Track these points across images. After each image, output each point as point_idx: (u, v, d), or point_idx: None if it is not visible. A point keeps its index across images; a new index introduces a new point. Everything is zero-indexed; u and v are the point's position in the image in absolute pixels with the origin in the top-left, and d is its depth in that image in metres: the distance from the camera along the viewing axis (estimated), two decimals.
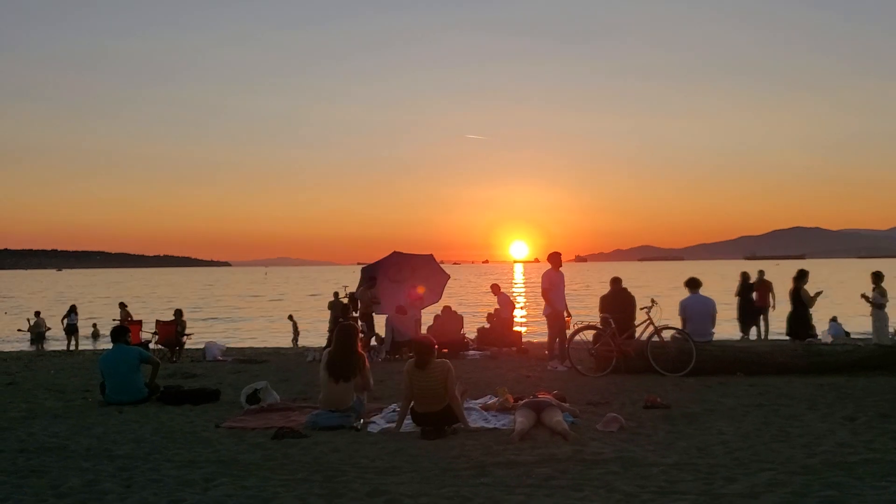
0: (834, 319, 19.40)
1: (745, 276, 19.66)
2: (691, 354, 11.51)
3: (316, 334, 25.90)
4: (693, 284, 12.83)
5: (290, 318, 26.63)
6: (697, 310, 12.55)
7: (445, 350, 14.64)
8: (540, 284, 13.68)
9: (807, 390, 9.65)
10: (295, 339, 25.31)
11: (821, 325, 20.06)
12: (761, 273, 19.74)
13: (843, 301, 37.88)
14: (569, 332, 12.73)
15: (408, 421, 7.64)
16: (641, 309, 12.46)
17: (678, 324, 12.49)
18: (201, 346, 17.72)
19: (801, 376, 11.08)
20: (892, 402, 8.59)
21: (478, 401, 8.85)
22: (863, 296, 14.97)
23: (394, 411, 8.34)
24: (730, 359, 11.84)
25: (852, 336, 18.12)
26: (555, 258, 13.55)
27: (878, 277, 14.83)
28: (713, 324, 12.62)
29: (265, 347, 21.98)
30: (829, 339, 17.18)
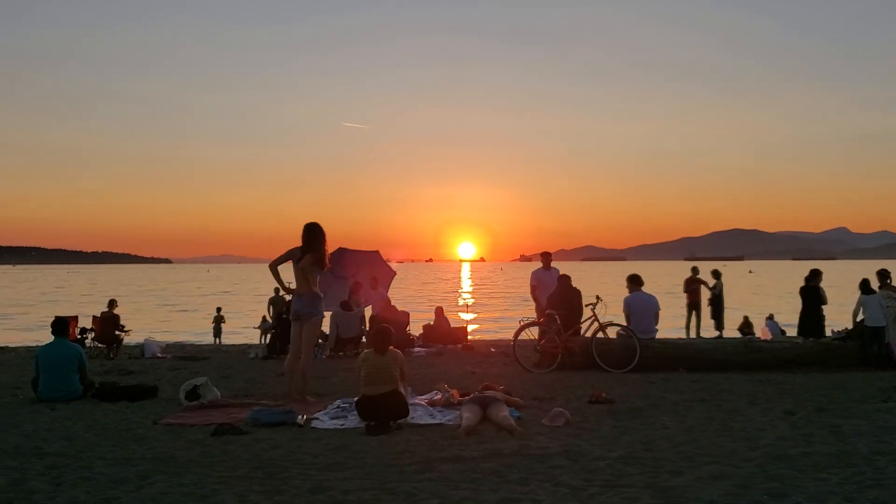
0: (770, 318, 19.80)
1: (715, 273, 19.55)
2: (635, 351, 11.62)
3: (251, 332, 25.43)
4: (635, 282, 12.93)
5: (218, 310, 24.93)
6: (641, 307, 12.66)
7: (393, 346, 14.51)
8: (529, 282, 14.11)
9: (747, 386, 9.81)
10: (216, 335, 24.11)
11: (758, 322, 20.53)
12: (695, 270, 19.95)
13: (777, 300, 38.84)
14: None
15: (353, 416, 7.53)
16: (586, 306, 12.52)
17: (622, 321, 12.58)
18: (140, 343, 17.26)
19: (741, 372, 11.28)
20: (829, 397, 8.78)
21: (423, 396, 8.77)
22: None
23: (338, 407, 8.22)
24: (672, 355, 12.00)
25: (787, 334, 18.50)
26: (545, 257, 13.99)
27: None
28: (656, 321, 12.74)
29: (206, 344, 21.57)
30: (767, 336, 17.52)
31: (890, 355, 11.97)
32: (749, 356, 12.00)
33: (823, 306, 13.88)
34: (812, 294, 13.81)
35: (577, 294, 12.88)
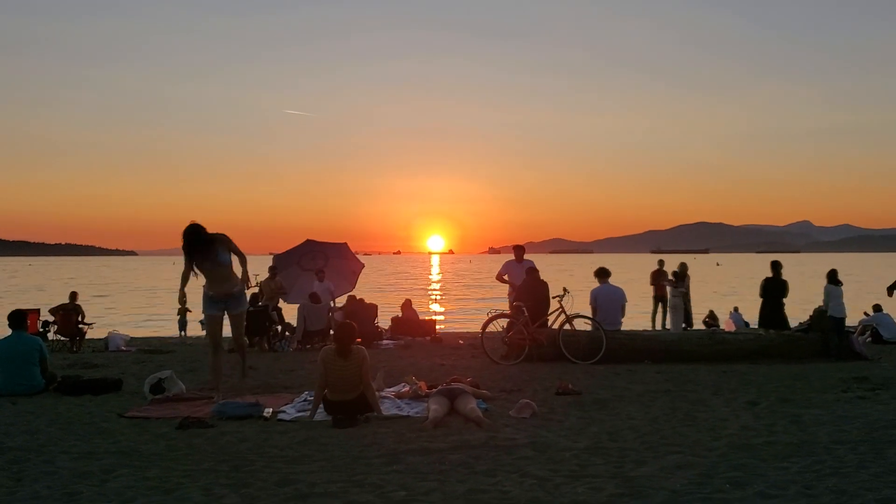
0: (735, 310, 20.04)
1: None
2: (601, 342, 11.72)
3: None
4: (603, 274, 13.05)
5: (181, 300, 24.10)
6: (607, 299, 12.78)
7: (359, 340, 14.48)
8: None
9: (711, 377, 9.95)
10: (182, 327, 23.73)
11: (722, 314, 20.76)
12: (660, 263, 20.13)
13: (744, 292, 39.34)
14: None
15: (320, 410, 7.50)
16: (554, 298, 12.59)
17: (589, 313, 12.68)
18: (104, 336, 17.02)
19: (706, 363, 11.43)
20: (792, 388, 8.93)
21: (391, 389, 8.77)
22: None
23: (305, 400, 8.18)
24: (638, 347, 12.12)
25: (751, 325, 18.72)
26: (518, 250, 14.14)
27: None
28: (622, 313, 12.87)
29: (171, 337, 21.33)
30: (731, 328, 17.73)
31: (850, 347, 12.19)
32: (713, 347, 12.16)
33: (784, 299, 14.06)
34: (778, 286, 13.94)
35: (544, 286, 12.95)
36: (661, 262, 20.20)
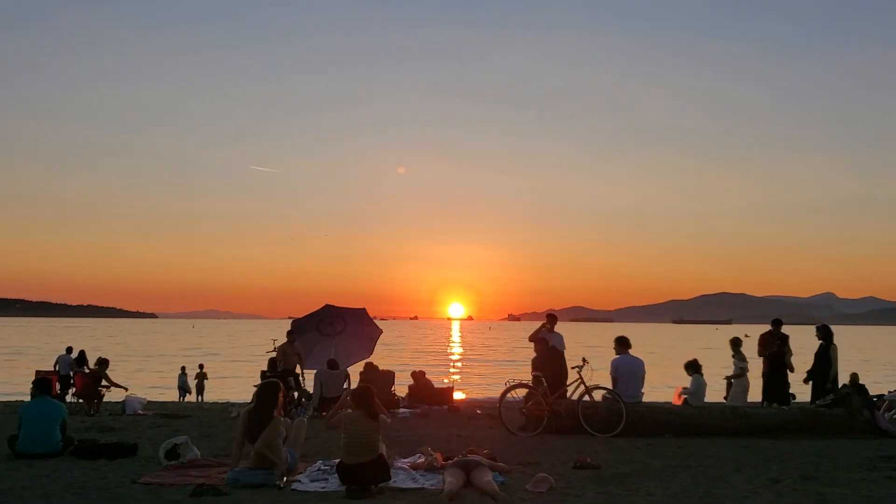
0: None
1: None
2: (622, 415, 11.56)
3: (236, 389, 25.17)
4: (623, 344, 12.91)
5: (201, 367, 24.46)
6: (627, 370, 12.63)
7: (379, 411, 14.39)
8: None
9: (733, 452, 9.77)
10: (199, 392, 23.74)
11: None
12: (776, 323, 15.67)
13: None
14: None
15: (334, 478, 7.43)
16: (573, 368, 12.49)
17: (609, 383, 12.54)
18: (121, 400, 17.05)
19: (727, 438, 11.22)
20: (815, 465, 8.74)
21: (406, 459, 8.67)
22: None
23: (319, 469, 8.11)
24: (658, 420, 11.94)
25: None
26: (551, 319, 13.74)
27: (735, 344, 15.26)
28: (643, 384, 12.72)
29: (188, 402, 21.33)
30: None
31: (876, 423, 11.96)
32: (735, 421, 11.96)
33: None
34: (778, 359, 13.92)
35: (560, 356, 12.85)
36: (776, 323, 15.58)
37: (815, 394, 14.01)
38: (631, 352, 12.90)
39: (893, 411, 14.31)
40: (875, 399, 16.26)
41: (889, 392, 16.12)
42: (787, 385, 14.01)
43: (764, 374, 14.34)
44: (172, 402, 20.26)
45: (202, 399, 22.95)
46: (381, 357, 17.81)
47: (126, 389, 17.46)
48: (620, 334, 13.36)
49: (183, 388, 23.23)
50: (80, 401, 16.75)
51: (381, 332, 17.98)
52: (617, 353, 12.81)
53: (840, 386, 13.34)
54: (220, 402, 20.88)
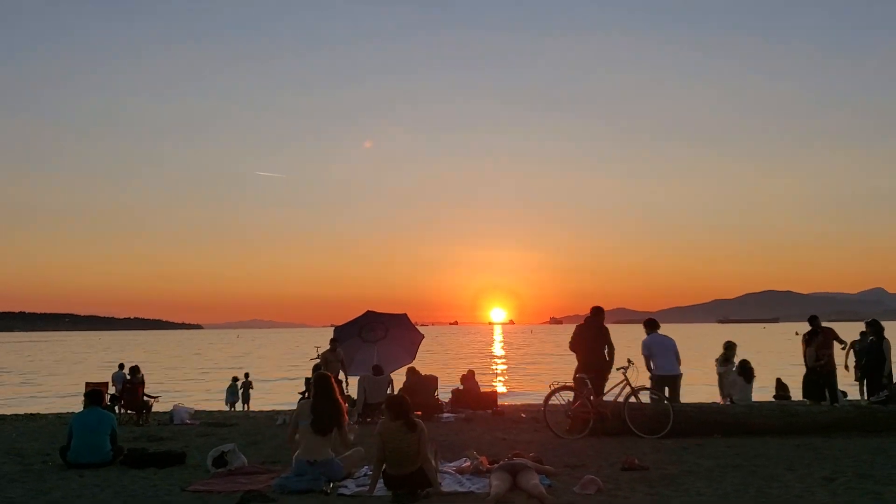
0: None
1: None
2: (668, 416, 11.40)
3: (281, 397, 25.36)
4: (651, 325, 12.90)
5: (246, 376, 24.47)
6: (660, 346, 12.58)
7: (419, 413, 14.39)
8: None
9: (784, 451, 9.56)
10: (245, 400, 23.93)
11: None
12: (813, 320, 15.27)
13: None
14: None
15: (380, 485, 7.42)
16: (618, 369, 12.35)
17: (642, 364, 12.43)
18: (169, 410, 17.28)
19: (778, 437, 10.99)
20: (870, 462, 8.52)
21: (452, 464, 8.64)
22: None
23: (365, 475, 8.10)
24: (707, 420, 11.74)
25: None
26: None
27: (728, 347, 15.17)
28: (678, 360, 12.57)
29: (234, 411, 21.55)
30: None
31: None
32: (785, 420, 11.71)
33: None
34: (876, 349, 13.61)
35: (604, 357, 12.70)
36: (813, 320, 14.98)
37: (870, 390, 13.72)
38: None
39: None
40: None
41: None
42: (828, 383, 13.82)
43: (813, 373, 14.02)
44: (219, 411, 20.47)
45: (248, 407, 23.16)
46: (424, 362, 17.79)
47: (156, 398, 17.77)
48: (650, 318, 13.22)
49: (232, 398, 23.48)
50: (130, 412, 17.00)
51: (422, 337, 17.99)
52: (647, 334, 12.76)
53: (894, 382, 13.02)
54: (265, 410, 21.06)
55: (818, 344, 14.05)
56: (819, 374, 14.31)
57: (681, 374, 12.65)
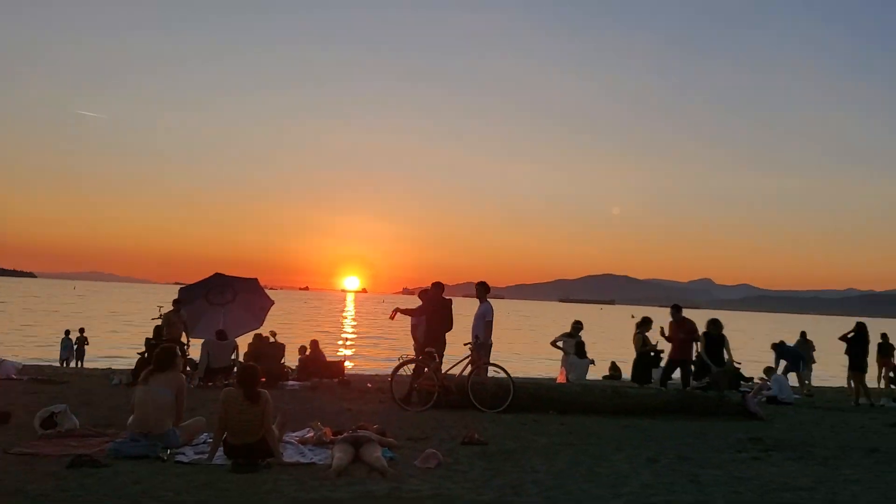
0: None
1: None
2: (509, 391, 11.80)
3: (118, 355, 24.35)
4: (485, 288, 13.31)
5: (81, 331, 23.07)
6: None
7: (264, 380, 14.17)
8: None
9: (614, 431, 10.13)
10: (78, 357, 22.67)
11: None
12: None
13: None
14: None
15: (219, 453, 7.29)
16: (465, 345, 12.65)
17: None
18: None
19: (609, 417, 11.61)
20: (691, 445, 9.17)
21: (295, 434, 8.59)
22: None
23: (205, 442, 7.94)
24: (544, 396, 12.28)
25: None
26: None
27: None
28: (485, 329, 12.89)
29: (67, 368, 20.47)
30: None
31: (745, 406, 12.61)
32: (615, 401, 12.41)
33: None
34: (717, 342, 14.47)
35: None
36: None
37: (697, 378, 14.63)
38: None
39: (762, 395, 15.16)
40: (746, 383, 17.22)
41: (759, 378, 17.08)
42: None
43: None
44: (50, 367, 19.37)
45: (82, 365, 22.05)
46: (272, 328, 17.50)
47: None
48: (481, 280, 13.41)
49: (66, 353, 22.17)
50: None
51: (272, 302, 17.69)
52: (482, 300, 13.10)
53: (715, 370, 13.98)
54: (100, 368, 20.14)
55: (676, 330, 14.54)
56: (651, 359, 15.34)
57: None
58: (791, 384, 16.64)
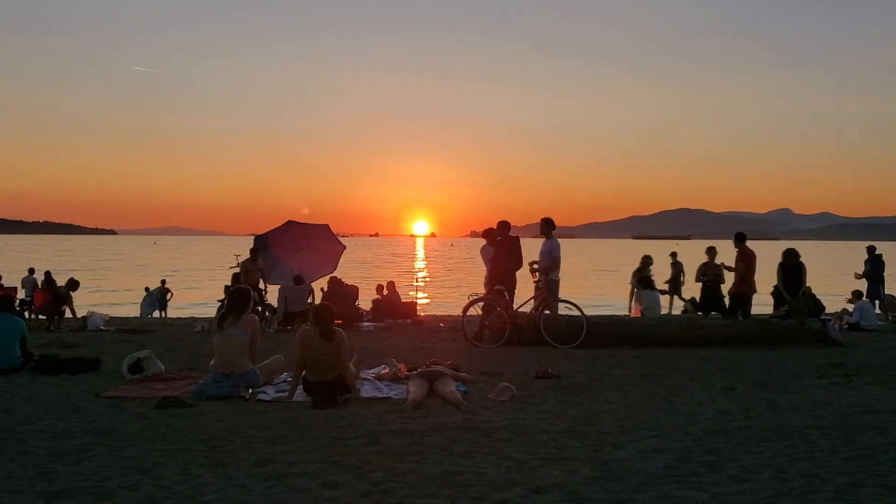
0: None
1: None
2: (581, 327, 11.76)
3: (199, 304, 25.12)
4: (550, 226, 13.02)
5: (163, 283, 23.61)
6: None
7: (339, 321, 14.48)
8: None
9: (689, 362, 10.03)
10: (162, 308, 23.27)
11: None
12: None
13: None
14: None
15: (299, 390, 7.50)
16: (535, 282, 12.62)
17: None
18: (83, 316, 16.89)
19: (684, 349, 11.48)
20: (768, 373, 9.02)
21: (371, 371, 8.77)
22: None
23: (284, 381, 8.17)
24: (617, 332, 12.19)
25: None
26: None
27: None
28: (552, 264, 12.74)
29: (151, 318, 21.26)
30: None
31: (826, 333, 12.31)
32: (691, 333, 12.25)
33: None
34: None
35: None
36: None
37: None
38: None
39: (844, 322, 14.77)
40: (826, 312, 16.76)
41: (847, 301, 16.51)
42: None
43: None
44: (135, 318, 20.16)
45: (165, 315, 22.83)
46: (345, 273, 17.81)
47: (81, 319, 16.95)
48: (546, 216, 13.17)
49: (149, 310, 22.90)
50: (41, 317, 16.58)
51: (344, 248, 17.95)
52: (547, 237, 12.88)
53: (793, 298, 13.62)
54: (183, 317, 20.84)
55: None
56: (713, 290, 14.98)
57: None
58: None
